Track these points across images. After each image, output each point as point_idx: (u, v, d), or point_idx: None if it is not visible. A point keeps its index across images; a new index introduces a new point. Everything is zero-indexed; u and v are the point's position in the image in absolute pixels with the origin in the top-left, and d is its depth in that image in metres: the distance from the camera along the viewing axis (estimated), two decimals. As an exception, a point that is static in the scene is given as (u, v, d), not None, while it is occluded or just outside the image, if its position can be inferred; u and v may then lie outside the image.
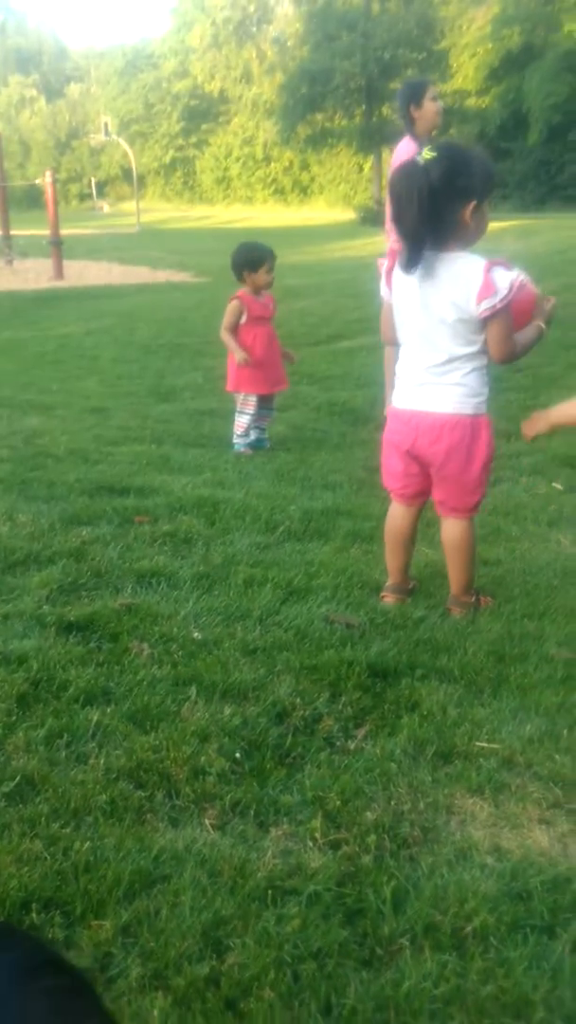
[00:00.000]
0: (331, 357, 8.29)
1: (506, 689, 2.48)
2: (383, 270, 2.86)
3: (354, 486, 4.84)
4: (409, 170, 2.63)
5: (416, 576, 3.28)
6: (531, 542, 4.18)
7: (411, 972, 1.40)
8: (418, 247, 2.64)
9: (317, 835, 1.72)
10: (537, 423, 2.77)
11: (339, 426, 6.14)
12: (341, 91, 38.56)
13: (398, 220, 2.64)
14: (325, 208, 43.49)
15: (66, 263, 16.67)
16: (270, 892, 1.54)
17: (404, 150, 5.99)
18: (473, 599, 3.06)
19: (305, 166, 47.69)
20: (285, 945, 1.42)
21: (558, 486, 5.01)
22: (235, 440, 5.24)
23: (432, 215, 2.59)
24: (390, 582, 3.12)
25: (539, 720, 2.31)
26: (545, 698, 2.42)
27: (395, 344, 2.96)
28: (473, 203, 2.66)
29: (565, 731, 2.26)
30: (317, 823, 1.75)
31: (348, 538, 3.84)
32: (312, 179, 47.88)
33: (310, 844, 1.70)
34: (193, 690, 2.25)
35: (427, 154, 2.64)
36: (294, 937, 1.44)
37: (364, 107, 39.20)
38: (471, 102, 41.89)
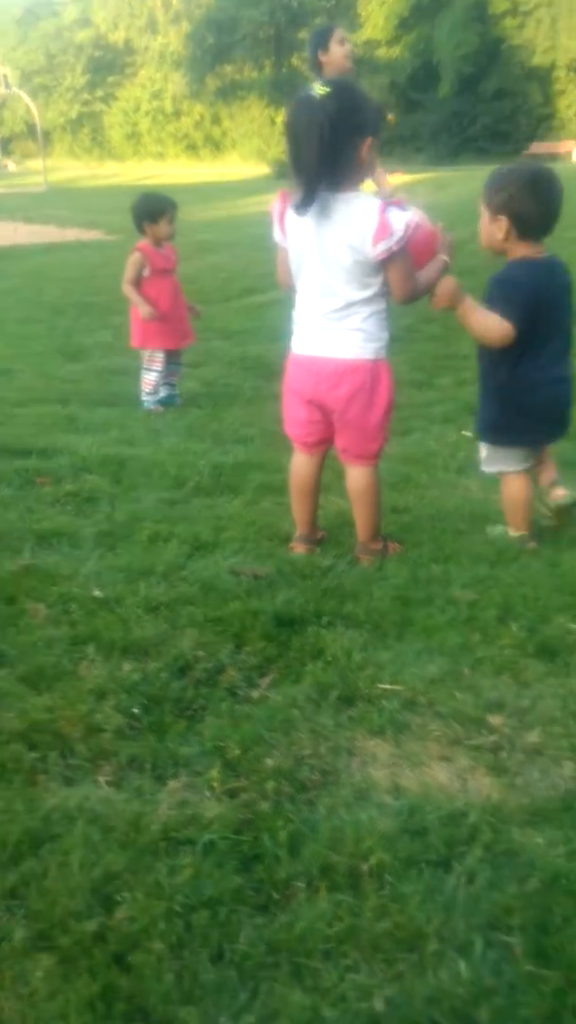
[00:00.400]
0: (243, 312, 8.18)
1: (411, 632, 2.49)
2: (275, 214, 2.79)
3: (266, 440, 4.80)
4: (308, 104, 2.56)
5: (326, 526, 3.27)
6: (440, 489, 4.21)
7: (305, 914, 1.39)
8: (314, 185, 2.58)
9: (215, 784, 1.70)
10: (447, 295, 2.84)
11: (251, 381, 6.07)
12: (249, 41, 37.81)
13: (296, 156, 2.57)
14: (239, 163, 42.76)
15: (-31, 223, 16.08)
16: (163, 844, 1.52)
17: None
18: (380, 546, 3.06)
19: (216, 120, 46.68)
20: (176, 896, 1.40)
21: (467, 434, 5.04)
22: (144, 398, 5.14)
23: (331, 152, 2.54)
24: (298, 532, 3.10)
25: (442, 660, 2.32)
26: (449, 639, 2.44)
27: (292, 290, 2.91)
28: (369, 139, 2.61)
29: (467, 670, 2.28)
30: (215, 772, 1.73)
31: (259, 491, 3.81)
32: (224, 134, 46.90)
33: (207, 794, 1.68)
34: (91, 649, 2.20)
35: (320, 89, 2.58)
36: (186, 887, 1.42)
37: (274, 58, 38.55)
38: (381, 52, 41.49)
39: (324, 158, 2.53)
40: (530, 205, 2.79)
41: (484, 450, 3.20)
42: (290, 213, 2.70)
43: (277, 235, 2.82)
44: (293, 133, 2.58)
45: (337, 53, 5.93)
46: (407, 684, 2.17)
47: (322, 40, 6.00)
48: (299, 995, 1.24)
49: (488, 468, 3.24)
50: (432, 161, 35.02)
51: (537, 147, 34.81)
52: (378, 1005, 1.25)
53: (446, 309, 2.88)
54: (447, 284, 2.85)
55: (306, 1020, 1.20)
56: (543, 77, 40.01)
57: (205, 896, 1.41)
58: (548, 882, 1.51)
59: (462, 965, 1.33)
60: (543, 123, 40.45)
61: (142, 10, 51.45)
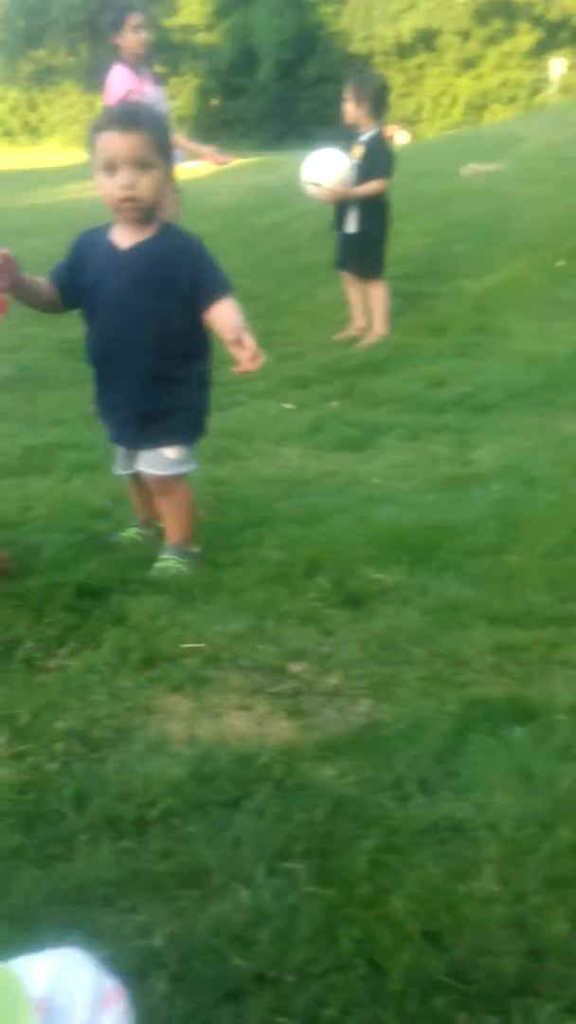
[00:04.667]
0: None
1: (218, 594, 2.50)
2: None
3: (82, 421, 4.71)
4: None
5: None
6: (259, 459, 4.26)
7: (85, 863, 1.38)
8: None
9: (1, 751, 1.66)
10: None
11: (70, 364, 5.94)
12: (62, 24, 36.78)
13: None
14: (59, 149, 41.59)
15: None
16: None
17: (120, 80, 5.83)
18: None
19: (33, 106, 45.16)
20: (-52, 859, 1.36)
21: (288, 406, 5.12)
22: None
23: None
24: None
25: (247, 616, 2.34)
26: (255, 596, 2.46)
27: None
28: None
29: (271, 624, 2.31)
30: (2, 739, 1.68)
31: (72, 469, 3.74)
32: (42, 119, 45.42)
33: (-8, 762, 1.64)
34: None
35: None
36: (-40, 850, 1.38)
37: (89, 42, 37.67)
38: (200, 38, 41.26)
39: None
40: None
41: (181, 451, 2.67)
42: None
43: None
44: None
45: (131, 40, 5.91)
46: (210, 642, 2.18)
47: (117, 23, 5.96)
48: (74, 939, 1.22)
49: (182, 469, 2.71)
50: (258, 146, 35.15)
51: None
52: (157, 941, 1.25)
53: None
54: None
55: (79, 962, 1.18)
56: (362, 64, 40.84)
57: (-20, 857, 1.37)
58: (333, 809, 1.55)
59: (244, 894, 1.35)
60: (363, 109, 41.20)
61: (-52, -9, 49.16)
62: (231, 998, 1.17)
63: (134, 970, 1.19)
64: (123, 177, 2.36)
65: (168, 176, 2.49)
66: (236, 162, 20.86)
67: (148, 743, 1.73)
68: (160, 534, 2.88)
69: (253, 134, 39.37)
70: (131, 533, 2.91)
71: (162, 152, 2.40)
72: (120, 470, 2.83)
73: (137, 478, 2.80)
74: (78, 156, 35.30)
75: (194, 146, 6.45)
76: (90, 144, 2.43)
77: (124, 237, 2.51)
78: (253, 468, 3.99)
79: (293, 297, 7.65)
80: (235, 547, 2.86)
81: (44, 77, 41.11)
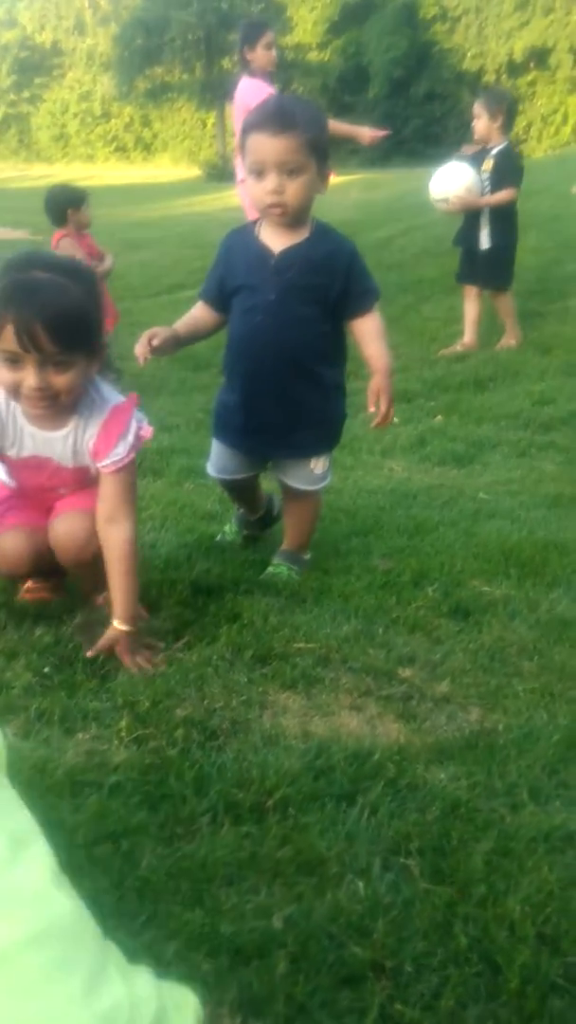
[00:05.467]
0: (171, 307, 8.16)
1: (328, 597, 2.54)
2: None
3: (192, 427, 4.84)
4: None
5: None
6: (364, 470, 4.29)
7: (207, 844, 1.42)
8: None
9: (123, 734, 1.72)
10: None
11: (179, 372, 6.10)
12: (178, 43, 37.64)
13: None
14: (170, 165, 42.57)
15: None
16: (68, 786, 1.54)
17: (253, 89, 5.95)
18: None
19: (147, 122, 46.36)
20: (79, 830, 1.42)
21: (395, 420, 5.13)
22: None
23: None
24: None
25: (357, 621, 2.37)
26: (364, 602, 2.49)
27: None
28: None
29: (380, 629, 2.34)
30: (124, 723, 1.75)
31: (182, 473, 3.84)
32: (155, 135, 46.61)
33: (116, 743, 1.70)
34: (3, 615, 2.20)
35: None
36: (89, 822, 1.45)
37: (204, 60, 38.49)
38: (312, 56, 41.70)
39: None
40: None
41: (325, 462, 2.73)
42: None
43: None
44: None
45: (262, 57, 6.02)
46: (321, 642, 2.21)
47: (250, 38, 6.09)
48: (198, 915, 1.27)
49: (325, 482, 2.77)
50: (365, 164, 35.32)
51: (467, 149, 35.18)
52: (276, 923, 1.29)
53: None
54: None
55: (203, 937, 1.23)
56: (472, 81, 40.65)
57: (108, 830, 1.43)
58: (447, 810, 1.56)
59: (360, 885, 1.38)
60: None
61: (69, 11, 50.85)
62: (349, 982, 1.19)
63: (255, 948, 1.23)
64: (270, 182, 2.30)
65: (324, 175, 2.38)
66: (342, 180, 21.05)
67: (264, 735, 1.78)
68: (262, 528, 2.95)
69: (361, 151, 39.54)
70: (232, 532, 2.97)
71: (315, 152, 2.31)
72: (223, 474, 2.75)
73: (242, 480, 2.77)
74: (188, 171, 36.26)
75: (347, 128, 6.44)
76: (241, 144, 2.40)
77: (275, 240, 2.45)
78: (359, 479, 4.02)
79: (399, 312, 7.66)
80: (343, 554, 2.90)
81: (159, 94, 42.14)
